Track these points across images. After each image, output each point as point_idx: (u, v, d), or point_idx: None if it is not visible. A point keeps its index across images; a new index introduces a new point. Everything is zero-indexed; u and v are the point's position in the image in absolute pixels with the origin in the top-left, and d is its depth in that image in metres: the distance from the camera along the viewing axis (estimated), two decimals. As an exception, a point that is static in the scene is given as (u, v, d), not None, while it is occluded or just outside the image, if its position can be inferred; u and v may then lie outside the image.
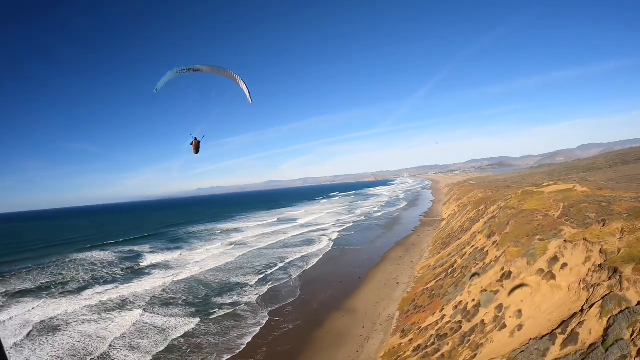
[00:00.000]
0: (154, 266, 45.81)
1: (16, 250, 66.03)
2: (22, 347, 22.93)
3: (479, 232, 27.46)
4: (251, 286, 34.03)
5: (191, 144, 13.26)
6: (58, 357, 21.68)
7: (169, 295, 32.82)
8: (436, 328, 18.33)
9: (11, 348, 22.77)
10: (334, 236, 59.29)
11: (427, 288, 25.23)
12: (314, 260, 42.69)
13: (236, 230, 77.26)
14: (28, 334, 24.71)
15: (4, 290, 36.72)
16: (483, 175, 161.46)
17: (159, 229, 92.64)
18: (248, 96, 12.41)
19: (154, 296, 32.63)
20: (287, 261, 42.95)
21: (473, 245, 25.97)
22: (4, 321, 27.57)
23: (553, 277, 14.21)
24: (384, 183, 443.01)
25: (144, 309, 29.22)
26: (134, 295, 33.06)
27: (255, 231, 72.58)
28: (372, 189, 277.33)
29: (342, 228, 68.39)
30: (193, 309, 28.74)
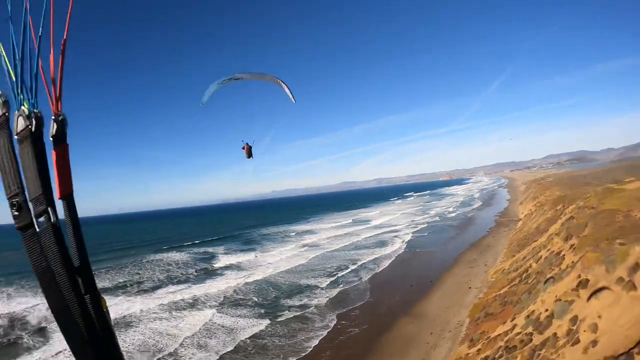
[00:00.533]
0: (227, 267, 47.82)
1: (98, 251, 68.80)
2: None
3: (556, 234, 25.08)
4: (321, 288, 34.45)
5: (243, 148, 13.52)
6: (129, 352, 23.58)
7: (239, 297, 34.16)
8: (505, 339, 17.41)
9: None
10: (407, 238, 58.10)
11: (500, 294, 23.84)
12: (386, 263, 42.18)
13: (310, 232, 78.15)
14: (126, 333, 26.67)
15: (94, 285, 41.04)
16: (561, 172, 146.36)
17: (234, 231, 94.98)
18: (291, 96, 12.18)
19: (225, 297, 34.05)
20: (358, 263, 42.82)
21: (549, 249, 23.88)
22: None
23: (634, 287, 12.79)
24: (459, 182, 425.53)
25: (215, 309, 30.65)
26: (205, 296, 34.80)
27: (328, 233, 72.97)
28: (446, 188, 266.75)
29: (415, 229, 66.73)
30: (262, 310, 29.72)
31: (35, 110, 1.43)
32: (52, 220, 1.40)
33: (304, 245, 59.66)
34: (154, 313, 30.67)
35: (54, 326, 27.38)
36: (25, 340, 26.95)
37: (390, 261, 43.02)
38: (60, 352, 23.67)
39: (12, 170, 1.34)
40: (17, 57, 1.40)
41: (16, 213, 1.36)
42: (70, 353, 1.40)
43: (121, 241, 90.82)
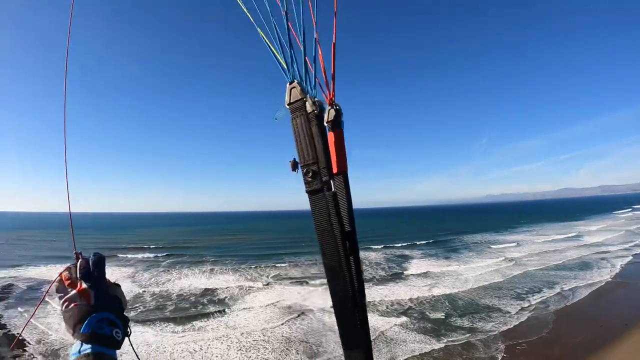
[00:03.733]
0: (415, 275, 45.66)
1: (294, 245, 70.62)
2: (281, 326, 27.61)
3: None
4: (502, 312, 29.71)
5: (290, 161, 17.03)
6: (295, 335, 25.65)
7: (410, 308, 32.84)
8: None
9: (261, 330, 27.08)
10: (619, 263, 47.67)
11: None
12: (584, 292, 35.31)
13: (515, 244, 67.74)
14: (288, 320, 28.63)
15: (276, 273, 45.08)
16: None
17: (438, 236, 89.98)
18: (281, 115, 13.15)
19: (398, 306, 33.44)
20: (553, 289, 35.59)
21: None
22: (276, 302, 33.43)
23: None
24: None
25: (382, 317, 30.14)
26: (379, 302, 34.58)
27: (534, 247, 61.11)
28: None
29: (632, 252, 54.30)
30: (428, 326, 27.93)
31: (316, 99, 1.68)
32: (332, 189, 1.64)
33: (505, 259, 51.17)
34: (322, 309, 31.75)
35: (235, 305, 33.72)
36: (208, 310, 32.13)
37: (589, 291, 36.00)
38: (226, 335, 26.26)
39: (309, 143, 1.57)
40: (302, 59, 1.63)
41: (310, 179, 1.56)
42: (332, 305, 1.60)
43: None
